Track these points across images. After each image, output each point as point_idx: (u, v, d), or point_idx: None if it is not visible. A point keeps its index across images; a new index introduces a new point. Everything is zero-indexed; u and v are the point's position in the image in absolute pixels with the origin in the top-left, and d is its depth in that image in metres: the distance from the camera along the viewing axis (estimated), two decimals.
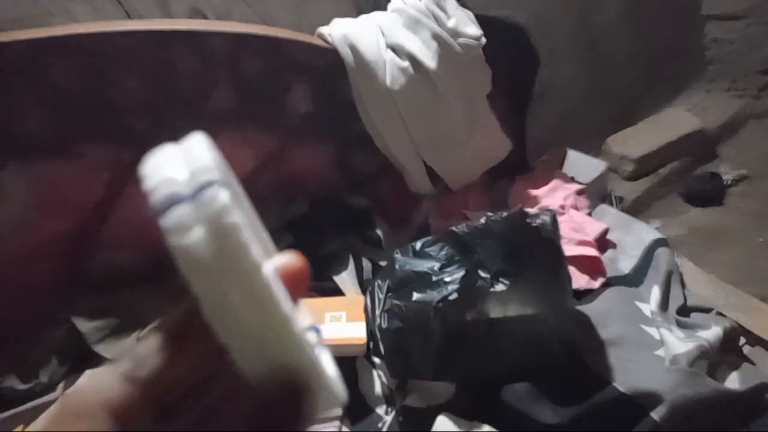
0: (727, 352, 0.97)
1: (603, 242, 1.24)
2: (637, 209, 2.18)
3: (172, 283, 1.13)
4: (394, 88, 1.19)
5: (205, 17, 1.30)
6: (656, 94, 2.48)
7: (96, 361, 1.00)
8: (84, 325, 1.03)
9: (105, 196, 1.12)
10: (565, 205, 1.33)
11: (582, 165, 1.83)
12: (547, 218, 0.93)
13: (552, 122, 2.04)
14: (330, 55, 1.22)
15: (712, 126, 2.38)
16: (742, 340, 1.04)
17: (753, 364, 0.99)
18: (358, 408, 1.03)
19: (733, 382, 0.91)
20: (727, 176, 2.25)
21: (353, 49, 1.19)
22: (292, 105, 1.24)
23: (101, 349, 1.01)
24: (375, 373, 1.06)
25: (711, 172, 2.27)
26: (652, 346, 0.98)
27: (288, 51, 1.19)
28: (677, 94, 2.55)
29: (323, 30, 1.24)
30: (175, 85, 1.11)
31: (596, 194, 1.67)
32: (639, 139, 2.30)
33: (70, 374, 0.99)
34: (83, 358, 1.01)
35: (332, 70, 1.23)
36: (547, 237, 0.93)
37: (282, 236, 1.25)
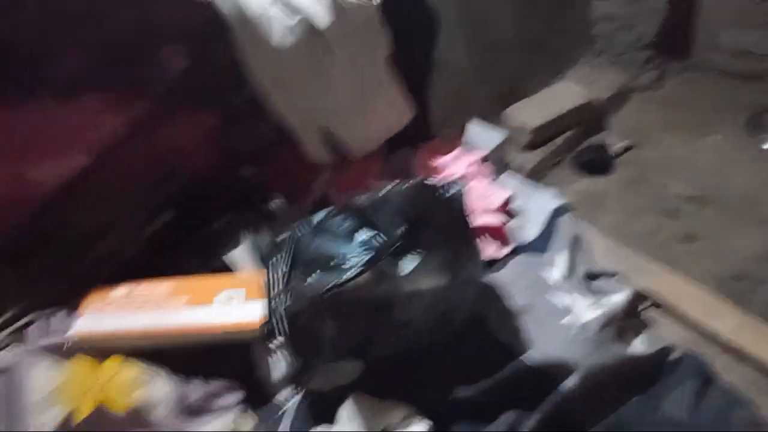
0: (630, 317, 0.98)
1: (507, 210, 1.22)
2: (533, 179, 2.22)
3: (32, 265, 1.00)
4: (283, 47, 1.08)
5: None
6: (548, 68, 2.54)
7: None
8: None
9: None
10: (468, 173, 1.29)
11: (482, 134, 1.82)
12: (457, 189, 0.88)
13: (444, 99, 2.02)
14: (208, 9, 1.08)
15: (600, 98, 2.47)
16: (642, 305, 1.06)
17: (653, 327, 1.00)
18: (260, 391, 0.95)
19: (638, 346, 0.92)
20: (615, 146, 2.35)
21: (234, 3, 1.07)
22: (165, 66, 1.09)
23: None
24: (276, 355, 0.98)
25: (599, 143, 2.36)
26: (558, 316, 0.97)
27: (158, 5, 1.04)
28: (568, 68, 2.64)
29: None
30: (24, 39, 0.95)
31: (496, 164, 1.67)
32: (534, 110, 2.35)
33: None
34: None
35: (211, 27, 1.09)
36: (457, 209, 0.88)
37: (159, 215, 1.12)
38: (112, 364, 0.87)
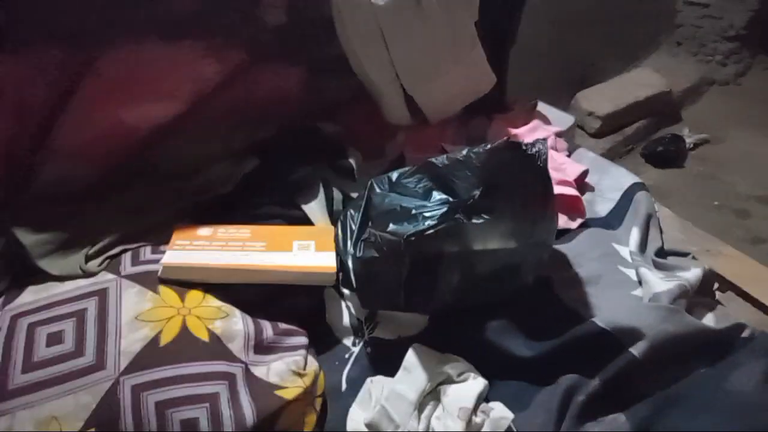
0: (702, 295, 0.97)
1: (581, 184, 1.21)
2: None
3: (122, 200, 1.07)
4: (379, 3, 1.11)
5: None
6: (624, 54, 2.49)
7: (39, 276, 0.91)
8: (27, 238, 0.93)
9: (51, 100, 1.01)
10: None
11: (550, 117, 1.81)
12: (542, 147, 0.89)
13: (518, 77, 2.01)
14: None
15: (677, 88, 2.41)
16: (715, 285, 1.05)
17: (725, 307, 0.99)
18: (324, 338, 0.98)
19: (709, 322, 0.91)
20: (689, 139, 2.29)
21: None
22: (263, 17, 1.15)
23: (46, 264, 0.92)
24: (344, 304, 1.02)
25: (673, 134, 2.30)
26: (630, 287, 0.97)
27: None
28: (646, 56, 2.57)
29: None
30: None
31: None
32: (607, 97, 2.31)
33: (10, 289, 0.89)
34: (25, 271, 0.92)
35: None
36: (541, 167, 0.88)
37: (248, 159, 1.17)
38: (195, 294, 0.92)
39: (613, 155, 2.29)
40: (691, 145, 2.30)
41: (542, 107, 1.83)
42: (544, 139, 0.91)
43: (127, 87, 1.06)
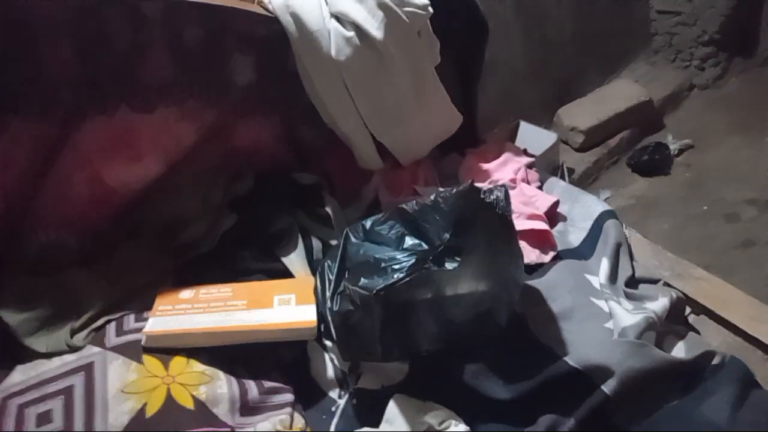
0: (673, 322, 0.99)
1: (553, 215, 1.23)
2: (586, 180, 2.21)
3: (105, 266, 1.09)
4: (340, 58, 1.14)
5: None
6: (602, 67, 2.51)
7: (27, 354, 0.94)
8: (12, 318, 0.96)
9: (34, 173, 1.05)
10: (515, 179, 1.32)
11: (533, 137, 1.83)
12: (500, 194, 0.91)
13: (497, 97, 2.04)
14: (271, 23, 1.16)
15: (657, 97, 2.42)
16: (688, 310, 1.06)
17: (698, 332, 1.01)
18: (310, 392, 1.01)
19: (680, 351, 0.93)
20: (673, 146, 2.30)
21: (295, 17, 1.14)
22: (233, 76, 1.18)
23: (32, 342, 0.95)
24: (327, 356, 1.04)
25: (657, 143, 2.32)
26: (601, 319, 0.99)
27: (227, 19, 1.13)
28: (624, 66, 2.59)
29: None
30: (106, 54, 1.04)
31: (547, 166, 1.68)
32: (588, 111, 2.32)
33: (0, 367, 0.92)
34: (12, 351, 0.94)
35: (275, 40, 1.17)
36: (500, 213, 0.91)
37: (227, 216, 1.20)
38: (179, 360, 0.94)
39: (599, 167, 2.31)
40: (676, 152, 2.31)
41: (524, 127, 1.86)
42: (503, 186, 0.93)
43: (103, 155, 1.10)
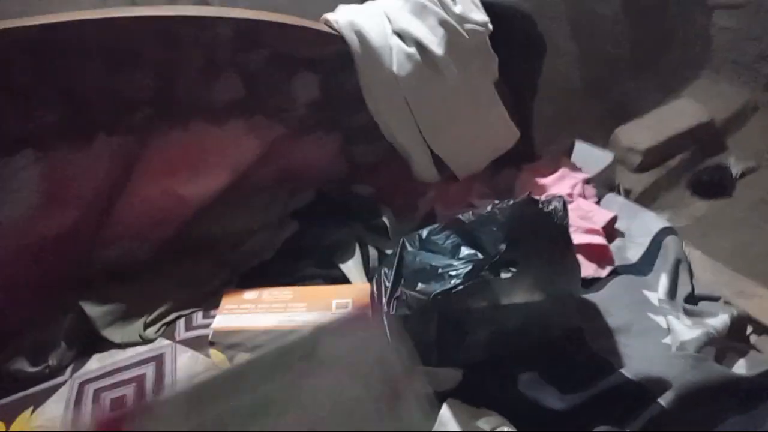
0: (734, 340, 0.97)
1: (611, 231, 1.23)
2: (644, 201, 2.17)
3: (174, 272, 1.16)
4: (401, 74, 1.19)
5: (209, 4, 1.29)
6: (661, 85, 2.47)
7: (104, 344, 1.01)
8: (92, 310, 1.03)
9: (112, 186, 1.12)
10: (572, 194, 1.32)
11: (589, 156, 1.82)
12: (558, 204, 0.92)
13: (553, 115, 2.04)
14: (336, 41, 1.21)
15: (719, 117, 2.36)
16: (750, 329, 1.04)
17: (760, 351, 0.98)
18: None
19: (741, 368, 0.91)
20: (735, 168, 2.24)
21: (359, 35, 1.19)
22: (298, 93, 1.24)
23: (109, 333, 1.02)
24: None
25: (718, 164, 2.26)
26: (660, 334, 0.98)
27: (294, 38, 1.19)
28: (684, 85, 2.54)
29: (329, 16, 1.24)
30: (181, 73, 1.11)
31: (603, 186, 1.66)
32: (646, 131, 2.29)
33: (78, 357, 1.00)
34: (91, 341, 1.02)
35: (338, 56, 1.22)
36: (558, 223, 0.92)
37: (288, 225, 1.26)
38: (243, 357, 0.98)
39: (657, 189, 2.26)
40: (739, 174, 2.25)
41: (580, 146, 1.85)
42: (560, 197, 0.94)
43: (175, 167, 1.17)
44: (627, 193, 2.09)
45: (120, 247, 1.15)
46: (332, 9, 1.27)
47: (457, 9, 1.20)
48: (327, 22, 1.24)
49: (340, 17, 1.21)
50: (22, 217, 1.02)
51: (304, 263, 1.20)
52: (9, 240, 1.02)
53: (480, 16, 1.22)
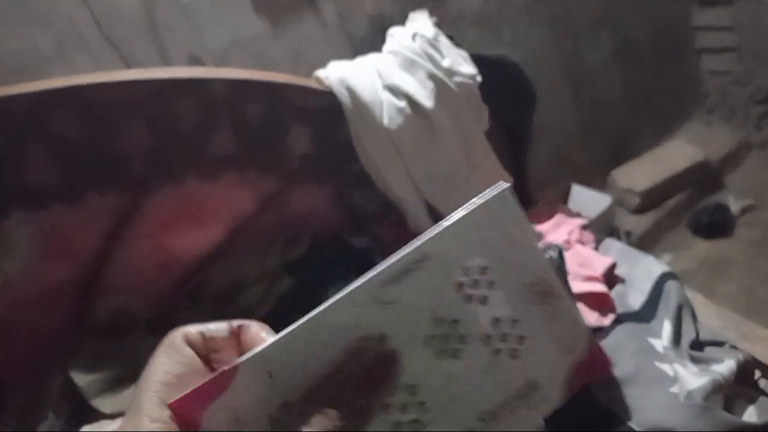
0: (742, 385, 0.94)
1: (611, 277, 1.21)
2: (645, 243, 2.16)
3: (167, 330, 1.13)
4: (392, 127, 1.20)
5: (203, 64, 1.31)
6: (655, 127, 2.49)
7: (93, 415, 0.98)
8: (81, 379, 1.01)
9: (105, 242, 1.11)
10: (570, 240, 1.31)
11: (587, 200, 1.81)
12: (554, 254, 0.91)
13: (549, 160, 2.05)
14: (327, 97, 1.23)
15: (715, 157, 2.37)
16: (758, 373, 1.01)
17: None
18: None
19: (751, 415, 0.88)
20: (734, 207, 2.23)
21: (350, 91, 1.21)
22: (291, 147, 1.25)
23: (98, 403, 0.99)
24: None
25: (717, 203, 2.25)
26: (667, 383, 0.95)
27: (286, 95, 1.20)
28: (678, 126, 2.57)
29: (320, 73, 1.26)
30: (175, 131, 1.12)
31: (603, 229, 1.65)
32: (643, 172, 2.30)
33: (68, 426, 0.96)
34: (81, 412, 0.99)
35: (330, 112, 1.23)
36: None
37: (283, 279, 1.24)
38: None
39: (658, 230, 2.26)
40: (738, 213, 2.25)
41: (577, 190, 1.85)
42: (556, 245, 0.93)
43: (170, 222, 1.16)
44: (628, 235, 2.08)
45: (114, 302, 1.13)
46: (324, 65, 1.29)
47: (446, 63, 1.22)
48: (318, 79, 1.26)
49: (331, 74, 1.23)
50: (14, 273, 1.01)
51: (299, 319, 1.17)
52: (4, 295, 1.01)
53: (468, 68, 1.24)
